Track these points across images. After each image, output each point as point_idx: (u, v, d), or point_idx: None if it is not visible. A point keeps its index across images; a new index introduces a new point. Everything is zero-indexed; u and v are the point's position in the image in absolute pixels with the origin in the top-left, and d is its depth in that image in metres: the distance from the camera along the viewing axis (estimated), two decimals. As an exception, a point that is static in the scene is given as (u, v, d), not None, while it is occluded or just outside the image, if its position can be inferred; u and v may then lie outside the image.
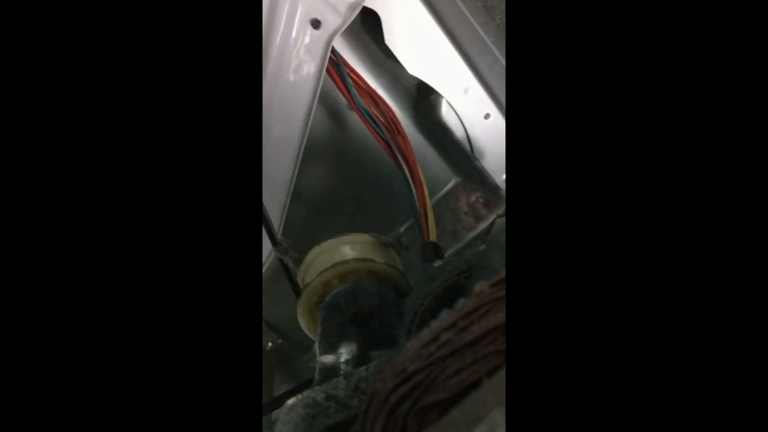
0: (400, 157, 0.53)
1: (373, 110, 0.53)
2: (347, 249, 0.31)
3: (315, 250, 0.31)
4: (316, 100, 0.51)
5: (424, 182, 0.52)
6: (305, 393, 0.20)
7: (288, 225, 0.57)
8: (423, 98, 0.62)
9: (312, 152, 0.64)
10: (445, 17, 0.55)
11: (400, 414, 0.16)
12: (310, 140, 0.56)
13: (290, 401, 0.20)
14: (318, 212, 0.70)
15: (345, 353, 0.28)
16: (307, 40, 0.48)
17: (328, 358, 0.28)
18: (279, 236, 0.47)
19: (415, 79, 0.58)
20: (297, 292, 0.30)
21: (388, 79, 0.61)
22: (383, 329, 0.27)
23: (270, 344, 0.67)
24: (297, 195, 0.62)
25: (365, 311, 0.29)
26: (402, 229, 0.71)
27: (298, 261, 0.31)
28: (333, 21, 0.48)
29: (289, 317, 0.36)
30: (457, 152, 0.65)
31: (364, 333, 0.28)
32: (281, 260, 0.34)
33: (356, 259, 0.30)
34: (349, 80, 0.52)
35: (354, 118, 0.62)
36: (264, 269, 0.57)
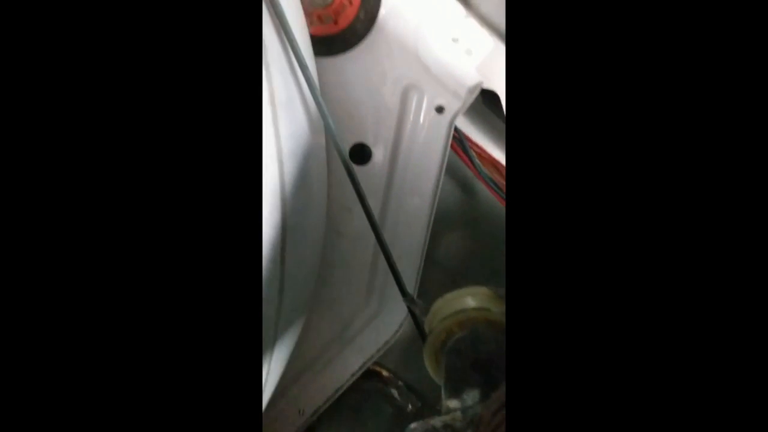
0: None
1: (497, 177, 0.57)
2: (468, 299, 0.34)
3: (439, 301, 0.35)
4: (443, 173, 0.56)
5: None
6: (426, 420, 0.23)
7: (425, 289, 0.61)
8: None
9: (445, 221, 0.69)
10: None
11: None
12: (442, 210, 0.61)
13: (412, 425, 0.23)
14: (453, 276, 0.73)
15: (468, 399, 0.30)
16: (433, 123, 0.56)
17: (453, 403, 0.30)
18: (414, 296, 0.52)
19: (538, 144, 0.60)
20: (424, 338, 0.34)
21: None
22: (502, 375, 0.29)
23: (410, 407, 0.69)
24: (433, 261, 0.67)
25: (484, 358, 0.31)
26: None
27: (426, 311, 0.35)
28: (454, 105, 0.55)
29: (430, 381, 0.39)
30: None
31: (486, 379, 0.30)
32: (410, 309, 0.38)
33: (474, 308, 0.33)
34: (472, 153, 0.58)
35: (483, 187, 0.66)
36: (399, 332, 0.62)
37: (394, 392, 0.70)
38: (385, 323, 0.62)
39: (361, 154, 0.56)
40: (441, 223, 0.65)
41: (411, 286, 0.58)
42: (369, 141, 0.56)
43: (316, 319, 0.61)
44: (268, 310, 0.37)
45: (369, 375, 0.67)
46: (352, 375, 0.63)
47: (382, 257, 0.61)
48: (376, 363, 0.67)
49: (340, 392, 0.63)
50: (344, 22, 0.50)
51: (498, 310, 0.32)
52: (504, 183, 0.57)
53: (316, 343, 0.63)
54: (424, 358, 0.34)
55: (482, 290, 0.34)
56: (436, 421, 0.23)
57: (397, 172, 0.57)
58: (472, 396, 0.30)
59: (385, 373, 0.70)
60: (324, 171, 0.49)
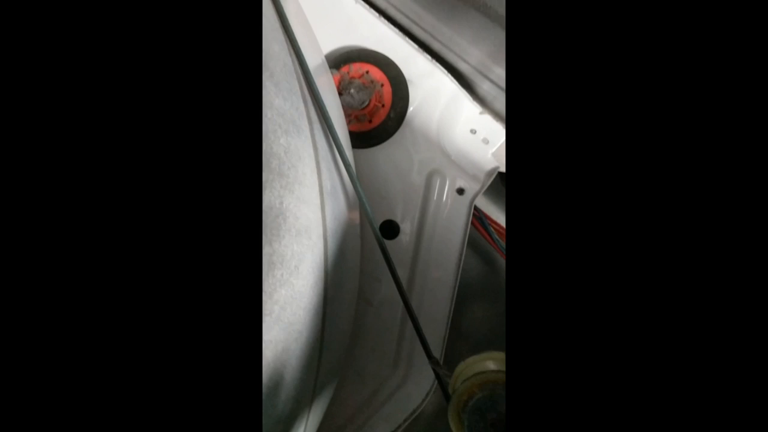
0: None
1: (515, 251, 0.62)
2: (488, 363, 0.37)
3: (461, 365, 0.39)
4: (465, 247, 0.62)
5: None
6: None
7: (449, 358, 0.64)
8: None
9: (469, 293, 0.73)
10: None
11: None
12: (467, 283, 0.65)
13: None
14: (476, 346, 0.76)
15: (489, 458, 0.32)
16: (455, 203, 0.62)
17: (475, 462, 0.33)
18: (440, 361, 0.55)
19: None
20: (448, 399, 0.37)
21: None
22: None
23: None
24: (458, 333, 0.70)
25: (503, 418, 0.34)
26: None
27: (449, 374, 0.39)
28: (473, 187, 0.61)
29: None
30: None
31: (506, 439, 0.33)
32: (435, 371, 0.42)
33: (494, 371, 0.36)
34: (491, 229, 0.63)
35: (503, 261, 0.70)
36: (426, 402, 0.64)
37: (421, 465, 0.69)
38: (412, 392, 0.64)
39: (390, 229, 0.62)
40: (465, 295, 0.68)
41: (437, 354, 0.61)
42: (398, 218, 0.62)
43: (345, 387, 0.64)
44: (308, 373, 0.41)
45: (396, 447, 0.67)
46: (380, 445, 0.64)
47: (409, 326, 0.65)
48: (402, 435, 0.68)
49: (368, 463, 0.64)
50: (377, 120, 0.59)
51: (515, 373, 0.35)
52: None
53: (344, 411, 0.65)
54: (448, 419, 0.37)
55: (501, 355, 0.38)
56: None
57: (422, 246, 0.62)
58: (493, 455, 0.32)
59: (411, 445, 0.70)
60: (358, 246, 0.55)
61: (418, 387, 0.64)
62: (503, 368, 0.36)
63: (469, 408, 0.35)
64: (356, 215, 0.53)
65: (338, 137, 0.43)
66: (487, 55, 0.58)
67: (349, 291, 0.53)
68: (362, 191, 0.43)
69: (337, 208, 0.44)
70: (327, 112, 0.43)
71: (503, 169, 0.63)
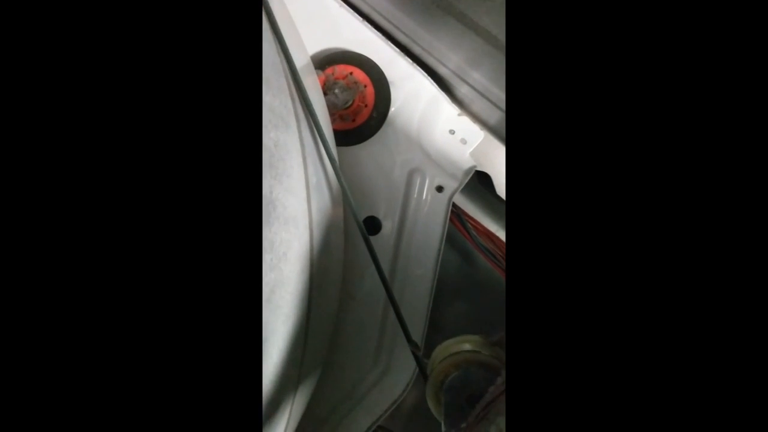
0: (518, 284, 0.62)
1: (491, 246, 0.65)
2: (463, 344, 0.40)
3: (438, 348, 0.41)
4: (443, 243, 0.64)
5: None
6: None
7: (427, 352, 0.66)
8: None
9: (447, 288, 0.75)
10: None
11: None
12: (444, 278, 0.67)
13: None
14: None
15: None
16: (434, 200, 0.65)
17: (451, 436, 0.35)
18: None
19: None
20: (426, 379, 0.40)
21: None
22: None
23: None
24: (436, 327, 0.72)
25: (477, 395, 0.36)
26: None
27: (428, 356, 0.41)
28: (452, 185, 0.64)
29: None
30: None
31: (478, 413, 0.35)
32: (414, 354, 0.44)
33: (467, 351, 0.39)
34: (469, 225, 0.66)
35: (480, 257, 0.73)
36: (406, 392, 0.66)
37: (400, 455, 0.71)
38: (392, 383, 0.66)
39: (372, 225, 0.64)
40: (443, 290, 0.71)
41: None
42: (379, 215, 0.65)
43: (327, 379, 0.65)
44: (294, 357, 0.43)
45: (376, 438, 0.69)
46: (361, 436, 0.65)
47: (389, 319, 0.67)
48: (383, 427, 0.69)
49: (349, 454, 0.65)
50: (360, 119, 0.61)
51: (488, 353, 0.38)
52: (498, 252, 0.65)
53: (326, 404, 0.67)
54: (426, 398, 0.39)
55: (475, 337, 0.40)
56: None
57: (403, 242, 0.65)
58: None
59: (391, 436, 0.72)
60: (342, 239, 0.57)
61: (399, 378, 0.66)
62: (477, 349, 0.39)
63: (445, 386, 0.38)
64: (340, 211, 0.55)
65: (324, 134, 0.45)
66: (464, 61, 0.61)
67: (333, 282, 0.55)
68: (347, 186, 0.46)
69: (322, 201, 0.46)
70: (313, 109, 0.45)
71: (481, 168, 0.66)
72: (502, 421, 0.21)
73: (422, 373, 0.44)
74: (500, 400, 0.26)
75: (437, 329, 0.75)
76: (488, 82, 0.59)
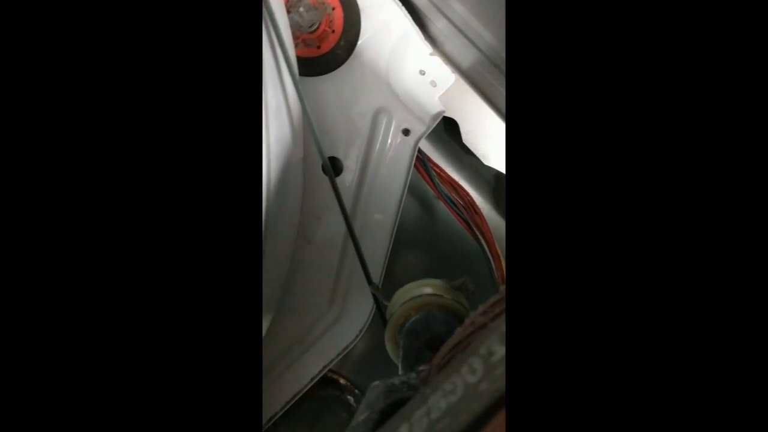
0: (479, 234, 0.62)
1: (454, 196, 0.64)
2: (425, 288, 0.39)
3: (399, 291, 0.40)
4: (406, 188, 0.62)
5: (500, 255, 0.59)
6: (386, 378, 0.27)
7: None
8: (499, 184, 0.71)
9: (405, 237, 0.74)
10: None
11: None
12: (403, 227, 0.66)
13: (375, 382, 0.27)
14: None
15: (423, 373, 0.34)
16: (399, 144, 0.62)
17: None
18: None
19: (491, 169, 0.67)
20: (385, 323, 0.38)
21: (469, 171, 0.72)
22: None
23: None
24: (392, 277, 0.71)
25: (437, 338, 0.36)
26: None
27: (388, 299, 0.40)
28: (419, 129, 0.61)
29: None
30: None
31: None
32: (374, 296, 0.42)
33: (429, 294, 0.38)
34: (433, 173, 0.64)
35: (441, 207, 0.72)
36: (359, 337, 0.65)
37: (351, 399, 0.72)
38: (345, 328, 0.65)
39: (333, 166, 0.61)
40: (400, 239, 0.69)
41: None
42: (341, 156, 0.61)
43: (278, 325, 0.63)
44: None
45: (326, 382, 0.69)
46: (312, 379, 0.64)
47: (346, 265, 0.65)
48: (334, 371, 0.69)
49: (298, 397, 0.65)
50: (326, 47, 0.56)
51: (450, 296, 0.37)
52: (460, 202, 0.64)
53: (276, 349, 0.65)
54: (385, 340, 0.38)
55: (437, 281, 0.39)
56: (395, 379, 0.27)
57: (365, 186, 0.62)
58: (426, 371, 0.34)
59: (342, 381, 0.72)
60: (300, 179, 0.53)
61: (353, 324, 0.65)
62: (438, 293, 0.38)
63: (405, 329, 0.37)
64: (300, 148, 0.51)
65: (287, 50, 0.40)
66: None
67: (288, 224, 0.51)
68: (311, 114, 0.41)
69: (282, 131, 0.42)
70: (276, 21, 0.40)
71: (448, 113, 0.64)
72: (494, 343, 0.19)
73: (381, 316, 0.42)
74: (469, 341, 0.24)
75: (392, 279, 0.75)
76: (469, 14, 0.55)
